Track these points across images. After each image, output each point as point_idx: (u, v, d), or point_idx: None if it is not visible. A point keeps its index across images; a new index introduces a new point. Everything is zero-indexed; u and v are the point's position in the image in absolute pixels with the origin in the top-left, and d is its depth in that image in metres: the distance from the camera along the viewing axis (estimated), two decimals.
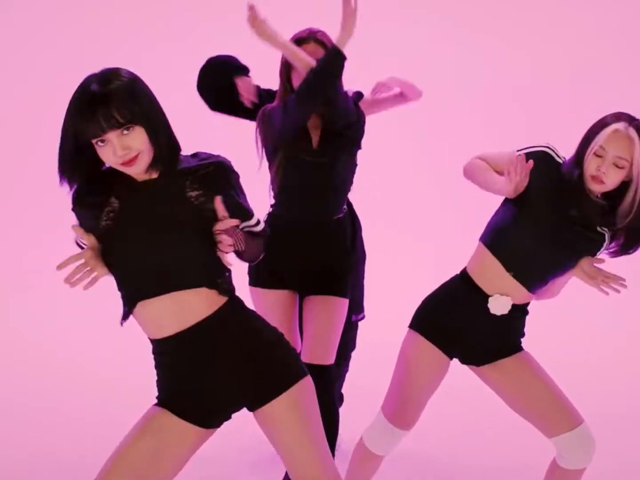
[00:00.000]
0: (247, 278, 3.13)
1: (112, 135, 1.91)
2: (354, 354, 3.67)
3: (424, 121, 5.70)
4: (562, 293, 5.28)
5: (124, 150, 1.92)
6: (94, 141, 1.93)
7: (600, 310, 5.05)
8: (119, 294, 2.06)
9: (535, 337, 4.49)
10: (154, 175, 2.02)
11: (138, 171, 1.98)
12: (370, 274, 3.68)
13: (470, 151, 2.65)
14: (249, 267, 3.10)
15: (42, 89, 5.83)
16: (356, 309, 3.53)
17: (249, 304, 2.90)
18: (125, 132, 1.92)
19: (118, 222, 1.99)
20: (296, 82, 3.00)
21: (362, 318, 3.63)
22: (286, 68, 3.06)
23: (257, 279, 2.96)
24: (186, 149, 2.12)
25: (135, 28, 5.83)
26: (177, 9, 5.87)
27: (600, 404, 3.68)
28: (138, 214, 1.99)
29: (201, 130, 5.71)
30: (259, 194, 3.03)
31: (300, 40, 3.03)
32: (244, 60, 3.45)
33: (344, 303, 3.12)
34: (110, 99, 1.89)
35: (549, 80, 5.83)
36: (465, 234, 5.57)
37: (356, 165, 3.18)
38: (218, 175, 2.04)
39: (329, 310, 3.06)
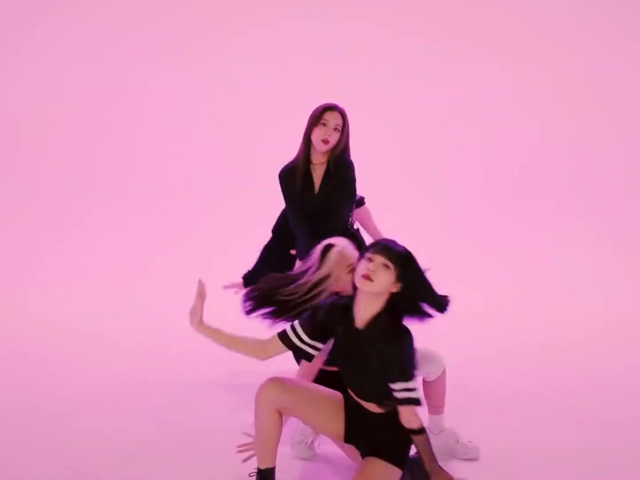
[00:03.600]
0: None
1: None
2: None
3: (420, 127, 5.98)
4: (561, 288, 5.38)
5: None
6: None
7: (599, 307, 5.20)
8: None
9: (534, 332, 4.59)
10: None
11: None
12: None
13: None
14: None
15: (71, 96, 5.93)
16: None
17: None
18: None
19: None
20: (316, 138, 3.32)
21: None
22: (311, 125, 3.34)
23: None
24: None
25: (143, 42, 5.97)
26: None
27: (601, 404, 3.62)
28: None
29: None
30: None
31: (326, 108, 3.33)
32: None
33: None
34: None
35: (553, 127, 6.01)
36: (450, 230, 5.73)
37: (354, 197, 3.47)
38: None
39: None
